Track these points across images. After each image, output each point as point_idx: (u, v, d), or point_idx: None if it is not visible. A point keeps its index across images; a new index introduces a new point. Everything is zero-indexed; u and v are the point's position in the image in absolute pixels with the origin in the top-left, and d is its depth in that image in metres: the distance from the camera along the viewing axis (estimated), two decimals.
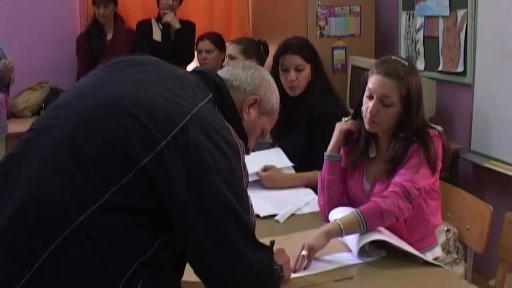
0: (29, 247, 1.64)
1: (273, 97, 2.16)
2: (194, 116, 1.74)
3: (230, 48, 4.30)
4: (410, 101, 2.48)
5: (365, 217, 2.34)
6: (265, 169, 3.28)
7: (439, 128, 2.61)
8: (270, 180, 3.24)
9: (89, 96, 1.81)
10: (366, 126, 2.56)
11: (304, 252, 2.27)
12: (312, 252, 2.28)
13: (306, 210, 2.89)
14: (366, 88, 2.54)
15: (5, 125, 4.47)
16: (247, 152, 1.99)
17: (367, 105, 2.53)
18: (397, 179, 2.45)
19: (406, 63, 2.53)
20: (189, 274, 1.87)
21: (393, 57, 2.59)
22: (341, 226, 2.33)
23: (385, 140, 2.60)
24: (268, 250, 1.93)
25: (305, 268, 2.26)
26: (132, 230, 1.70)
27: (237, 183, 1.78)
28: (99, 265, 1.66)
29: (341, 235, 2.36)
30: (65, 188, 1.67)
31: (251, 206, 1.88)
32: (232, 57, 4.21)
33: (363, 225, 2.34)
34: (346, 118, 2.78)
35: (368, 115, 2.52)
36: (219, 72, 2.10)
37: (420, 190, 2.42)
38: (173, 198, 1.69)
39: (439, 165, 2.51)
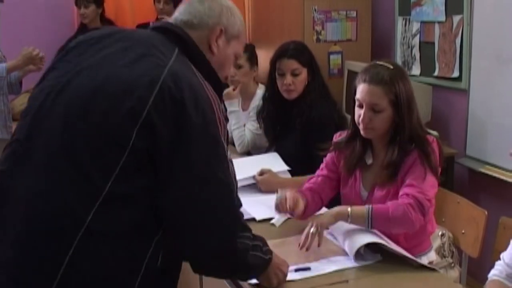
0: (48, 258, 1.69)
1: (236, 20, 2.12)
2: (167, 77, 1.76)
3: None
4: (400, 104, 2.49)
5: (373, 215, 2.39)
6: (262, 172, 3.29)
7: (434, 133, 2.62)
8: (266, 184, 3.25)
9: (64, 95, 1.81)
10: (362, 133, 2.57)
11: (313, 229, 2.36)
12: (322, 228, 2.39)
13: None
14: (356, 99, 2.56)
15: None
16: (225, 81, 2.06)
17: (359, 114, 2.55)
18: (407, 190, 2.44)
19: (391, 66, 2.54)
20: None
21: (377, 62, 2.59)
22: (350, 213, 2.41)
23: (381, 146, 2.60)
24: (241, 215, 1.95)
25: (318, 246, 2.37)
26: (141, 213, 1.75)
27: (212, 137, 1.80)
28: (120, 254, 1.73)
29: (348, 221, 2.42)
30: (67, 191, 1.71)
31: (231, 161, 1.90)
32: (239, 66, 4.20)
33: (369, 221, 2.39)
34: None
35: (361, 124, 2.54)
36: (179, 15, 2.06)
37: (431, 201, 2.44)
38: (159, 156, 1.73)
39: (439, 171, 2.53)
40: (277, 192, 2.70)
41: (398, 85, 2.49)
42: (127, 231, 1.73)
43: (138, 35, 1.97)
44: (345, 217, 2.43)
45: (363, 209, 2.42)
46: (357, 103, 2.56)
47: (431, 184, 2.46)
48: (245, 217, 2.77)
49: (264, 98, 3.78)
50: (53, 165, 1.74)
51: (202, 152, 1.77)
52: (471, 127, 4.06)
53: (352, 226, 2.46)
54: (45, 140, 1.77)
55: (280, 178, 3.31)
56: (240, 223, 1.93)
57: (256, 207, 2.94)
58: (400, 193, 2.45)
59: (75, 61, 1.89)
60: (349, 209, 2.43)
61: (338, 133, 2.81)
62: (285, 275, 2.19)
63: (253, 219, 2.80)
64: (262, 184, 3.26)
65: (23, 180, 1.77)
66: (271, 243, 2.16)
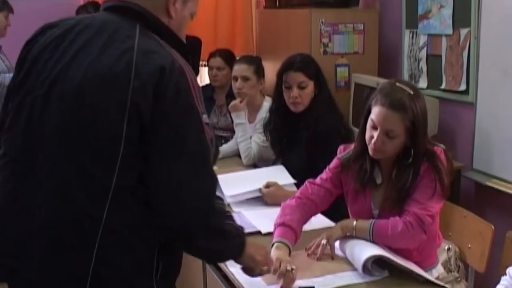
0: (77, 260, 1.83)
1: None
2: (139, 60, 1.83)
3: (243, 69, 4.29)
4: (415, 130, 2.44)
5: (374, 230, 2.44)
6: (268, 185, 3.29)
7: (441, 146, 2.60)
8: (272, 197, 3.25)
9: (51, 105, 1.87)
10: (370, 153, 2.52)
11: (323, 241, 2.51)
12: (331, 240, 2.51)
13: (308, 227, 2.87)
14: (369, 119, 2.49)
15: None
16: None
17: (371, 134, 2.49)
18: (410, 206, 2.44)
19: (411, 91, 2.47)
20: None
21: (397, 83, 2.52)
22: (355, 226, 2.48)
23: (389, 165, 2.56)
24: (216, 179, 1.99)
25: (332, 258, 2.50)
26: (145, 200, 1.86)
27: (188, 104, 1.86)
28: (138, 241, 1.87)
29: (353, 233, 2.50)
30: (78, 196, 1.81)
31: (207, 124, 1.94)
32: (246, 79, 4.23)
33: (370, 236, 2.45)
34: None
35: (372, 145, 2.49)
36: None
37: (433, 216, 2.44)
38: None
39: (447, 183, 2.51)
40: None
41: (416, 110, 2.44)
42: (139, 219, 1.86)
43: (97, 22, 1.98)
44: (351, 230, 2.50)
45: (367, 224, 2.47)
46: (370, 123, 2.49)
47: (436, 200, 2.45)
48: (250, 230, 2.80)
49: (271, 110, 3.78)
50: (58, 173, 1.82)
51: (178, 120, 1.84)
52: (478, 140, 4.05)
53: (359, 240, 2.47)
54: (44, 153, 1.85)
55: (286, 191, 3.30)
56: (216, 187, 2.00)
57: (261, 220, 2.94)
58: (405, 207, 2.45)
59: (46, 68, 1.92)
60: (354, 222, 2.50)
61: (342, 146, 2.78)
62: (267, 255, 2.28)
63: (259, 232, 2.80)
64: (268, 197, 3.26)
65: (31, 196, 1.86)
66: None
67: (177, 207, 1.86)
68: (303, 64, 3.53)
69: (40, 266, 1.84)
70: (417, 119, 2.44)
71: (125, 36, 1.89)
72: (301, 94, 3.48)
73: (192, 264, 2.93)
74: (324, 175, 2.77)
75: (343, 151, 2.74)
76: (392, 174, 2.54)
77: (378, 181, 2.60)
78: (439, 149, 2.54)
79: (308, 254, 2.53)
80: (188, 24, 2.15)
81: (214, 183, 1.96)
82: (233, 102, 4.23)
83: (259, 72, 4.31)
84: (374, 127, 2.48)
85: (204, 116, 1.94)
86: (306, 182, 2.79)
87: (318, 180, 2.77)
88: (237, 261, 2.17)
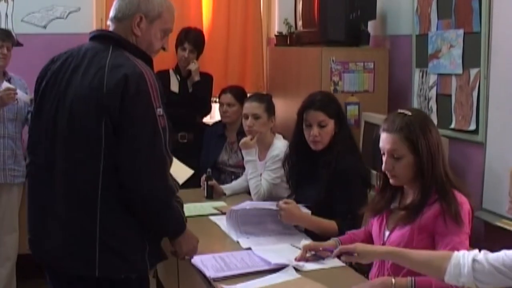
0: (85, 234, 2.51)
1: (155, 5, 2.66)
2: (108, 73, 2.46)
3: (254, 107, 4.35)
4: (418, 149, 2.54)
5: (416, 285, 2.40)
6: (286, 202, 3.31)
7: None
8: (288, 213, 3.29)
9: (58, 123, 2.54)
10: (391, 182, 2.65)
11: None
12: None
13: (309, 267, 2.88)
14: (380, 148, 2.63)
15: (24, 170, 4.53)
16: (156, 53, 2.76)
17: (383, 161, 2.63)
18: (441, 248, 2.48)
19: (409, 113, 2.61)
20: None
21: (399, 110, 2.67)
22: (394, 284, 2.42)
23: (411, 192, 2.67)
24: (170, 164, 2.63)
25: None
26: None
27: (146, 103, 2.48)
28: (127, 211, 2.56)
29: None
30: (81, 184, 2.51)
31: (161, 115, 2.50)
32: (257, 117, 4.27)
33: None
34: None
35: (386, 172, 2.62)
36: (111, 12, 2.67)
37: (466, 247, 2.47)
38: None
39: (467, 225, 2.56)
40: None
41: (415, 131, 2.56)
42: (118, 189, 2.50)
43: (82, 51, 2.63)
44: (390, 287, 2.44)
45: (406, 280, 2.43)
46: (381, 151, 2.64)
47: (465, 237, 2.53)
48: (261, 268, 2.81)
49: (291, 146, 3.80)
50: (66, 170, 2.52)
51: (137, 115, 2.46)
52: (488, 180, 4.05)
53: None
54: (58, 159, 2.54)
55: (302, 212, 3.32)
56: (169, 169, 2.59)
57: (271, 254, 2.95)
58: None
59: (51, 97, 2.59)
60: (393, 280, 2.44)
61: None
62: (196, 249, 2.85)
63: (272, 271, 2.79)
64: (285, 212, 3.28)
65: (52, 192, 2.55)
66: None
67: (137, 185, 2.47)
68: (323, 103, 3.56)
69: (60, 242, 2.52)
70: (417, 137, 2.56)
71: (100, 58, 2.53)
72: (321, 133, 3.51)
73: None
74: None
75: None
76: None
77: (393, 205, 2.71)
78: (461, 196, 2.57)
79: None
80: (165, 39, 2.76)
81: (165, 164, 2.55)
82: (243, 140, 4.26)
83: (270, 110, 4.34)
84: (383, 154, 2.62)
85: (159, 110, 2.50)
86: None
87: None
88: (172, 240, 2.76)
